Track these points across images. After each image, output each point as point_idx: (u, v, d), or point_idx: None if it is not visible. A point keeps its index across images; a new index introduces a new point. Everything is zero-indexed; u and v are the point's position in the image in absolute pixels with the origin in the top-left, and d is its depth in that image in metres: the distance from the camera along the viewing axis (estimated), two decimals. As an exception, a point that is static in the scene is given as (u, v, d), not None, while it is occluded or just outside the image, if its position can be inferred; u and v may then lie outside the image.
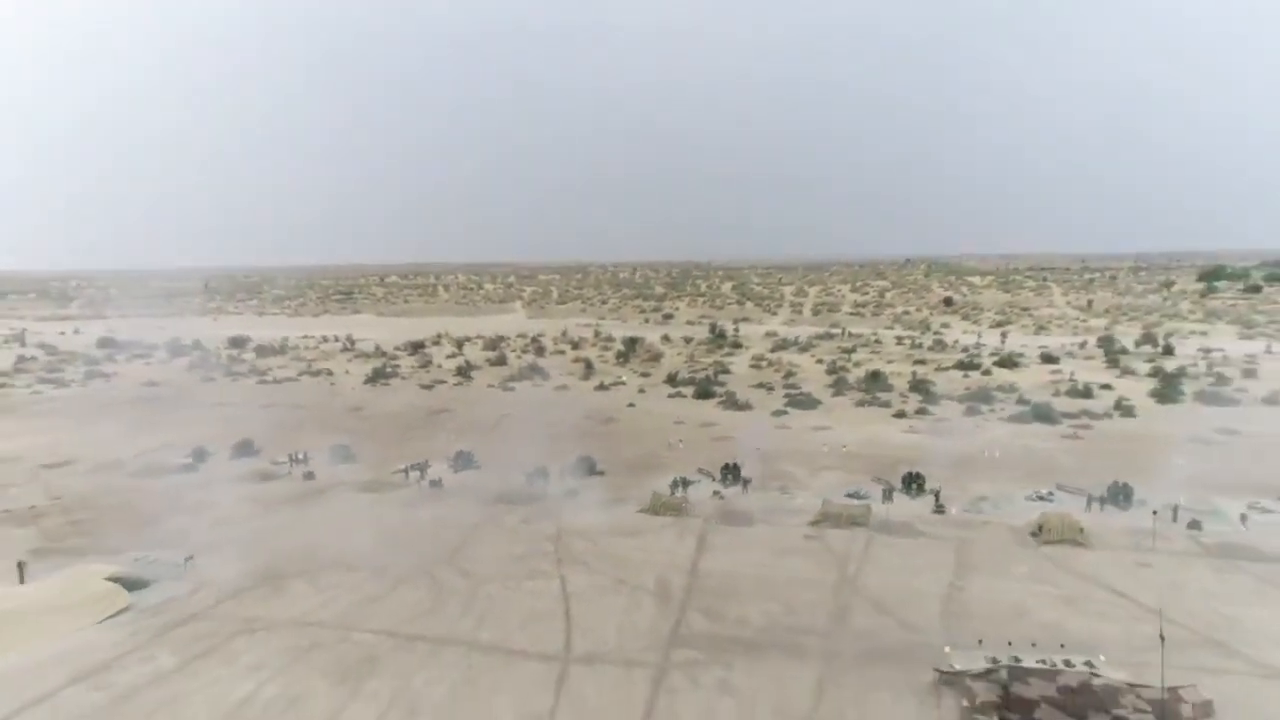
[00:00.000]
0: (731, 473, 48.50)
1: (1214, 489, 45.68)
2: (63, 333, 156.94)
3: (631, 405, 76.66)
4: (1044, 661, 25.76)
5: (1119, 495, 43.68)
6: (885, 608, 31.45)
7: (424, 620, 30.81)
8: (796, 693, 25.49)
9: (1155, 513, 39.91)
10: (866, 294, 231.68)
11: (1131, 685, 23.97)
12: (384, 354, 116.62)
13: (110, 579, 33.44)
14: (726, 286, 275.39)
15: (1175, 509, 41.53)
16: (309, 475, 51.28)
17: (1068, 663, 25.64)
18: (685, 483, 47.43)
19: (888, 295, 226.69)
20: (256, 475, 52.04)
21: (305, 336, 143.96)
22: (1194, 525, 39.93)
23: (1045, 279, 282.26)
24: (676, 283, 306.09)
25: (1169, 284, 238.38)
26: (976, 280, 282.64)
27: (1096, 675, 24.75)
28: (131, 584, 33.58)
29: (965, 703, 24.19)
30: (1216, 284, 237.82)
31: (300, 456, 54.11)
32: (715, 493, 46.43)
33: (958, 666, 25.81)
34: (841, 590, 33.19)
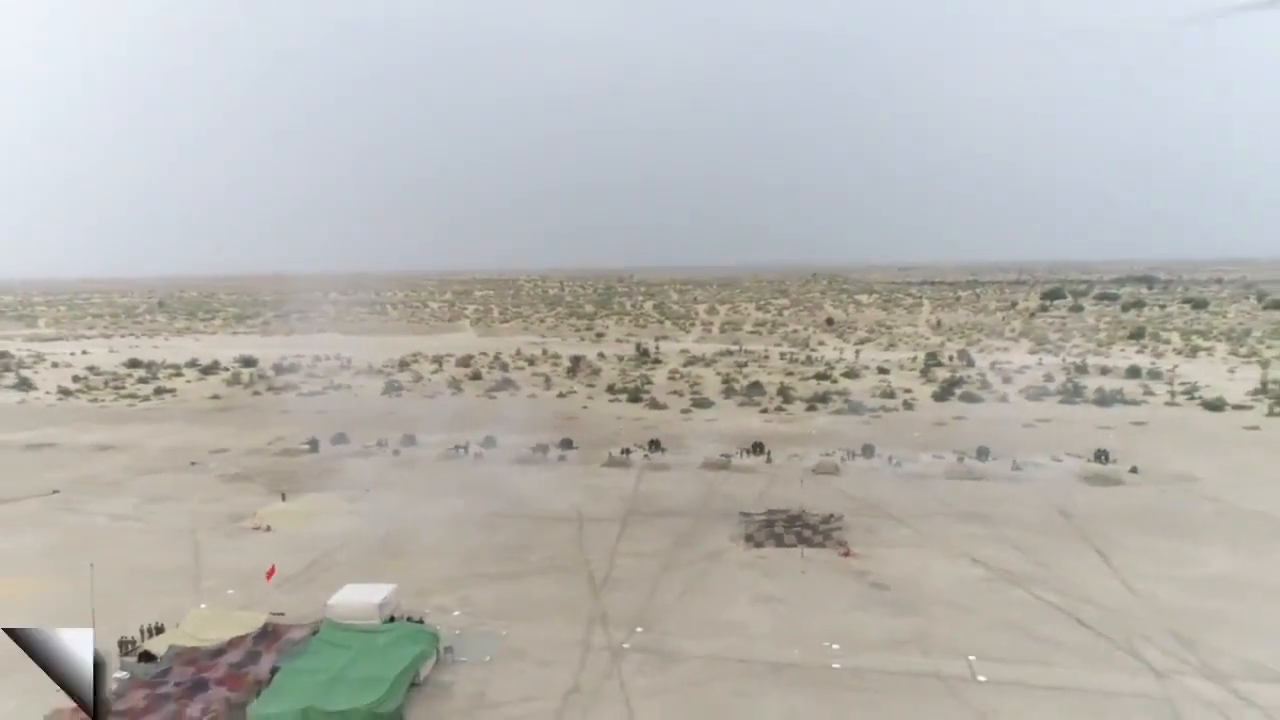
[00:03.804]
0: (654, 445, 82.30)
1: (922, 447, 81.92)
2: (72, 353, 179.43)
3: (585, 407, 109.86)
4: (787, 511, 60.26)
5: (867, 450, 79.29)
6: (727, 499, 65.70)
7: (506, 508, 63.52)
8: (682, 527, 59.28)
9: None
10: (767, 312, 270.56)
11: (817, 514, 58.71)
12: (379, 371, 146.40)
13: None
14: (648, 305, 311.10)
15: (891, 457, 77.42)
16: (395, 452, 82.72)
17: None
18: (627, 450, 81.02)
19: (785, 313, 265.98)
20: (359, 454, 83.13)
21: (298, 355, 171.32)
22: (897, 464, 75.72)
23: (921, 297, 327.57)
24: (604, 300, 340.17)
25: (1013, 303, 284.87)
26: (864, 298, 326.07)
27: (804, 513, 59.29)
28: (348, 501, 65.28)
29: (752, 524, 58.30)
30: (1054, 302, 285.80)
31: (384, 441, 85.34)
32: (645, 455, 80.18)
33: (751, 512, 60.23)
34: (708, 494, 67.39)
